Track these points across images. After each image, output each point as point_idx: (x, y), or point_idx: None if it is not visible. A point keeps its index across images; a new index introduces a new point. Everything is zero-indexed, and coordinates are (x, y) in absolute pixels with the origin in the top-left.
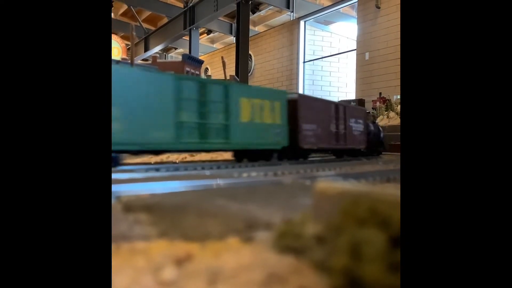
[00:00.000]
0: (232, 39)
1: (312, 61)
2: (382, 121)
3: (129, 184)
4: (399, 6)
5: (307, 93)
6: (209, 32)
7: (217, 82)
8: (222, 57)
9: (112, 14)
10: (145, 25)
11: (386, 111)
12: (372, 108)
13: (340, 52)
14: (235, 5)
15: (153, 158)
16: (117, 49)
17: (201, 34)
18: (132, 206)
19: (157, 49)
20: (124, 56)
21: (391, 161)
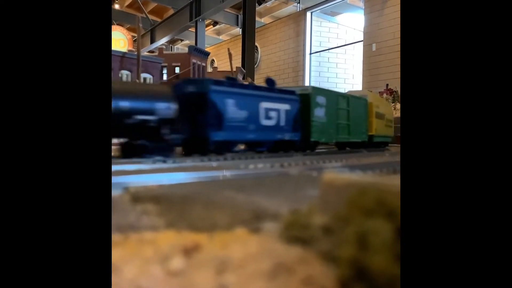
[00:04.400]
0: (238, 30)
1: (319, 53)
2: None
3: (137, 175)
4: None
5: (313, 84)
6: (215, 23)
7: None
8: (228, 49)
9: (118, 5)
10: (151, 17)
11: (393, 102)
12: None
13: (346, 43)
14: None
15: None
16: (123, 41)
17: (207, 25)
18: (140, 197)
19: (163, 41)
20: (131, 48)
21: (397, 153)
